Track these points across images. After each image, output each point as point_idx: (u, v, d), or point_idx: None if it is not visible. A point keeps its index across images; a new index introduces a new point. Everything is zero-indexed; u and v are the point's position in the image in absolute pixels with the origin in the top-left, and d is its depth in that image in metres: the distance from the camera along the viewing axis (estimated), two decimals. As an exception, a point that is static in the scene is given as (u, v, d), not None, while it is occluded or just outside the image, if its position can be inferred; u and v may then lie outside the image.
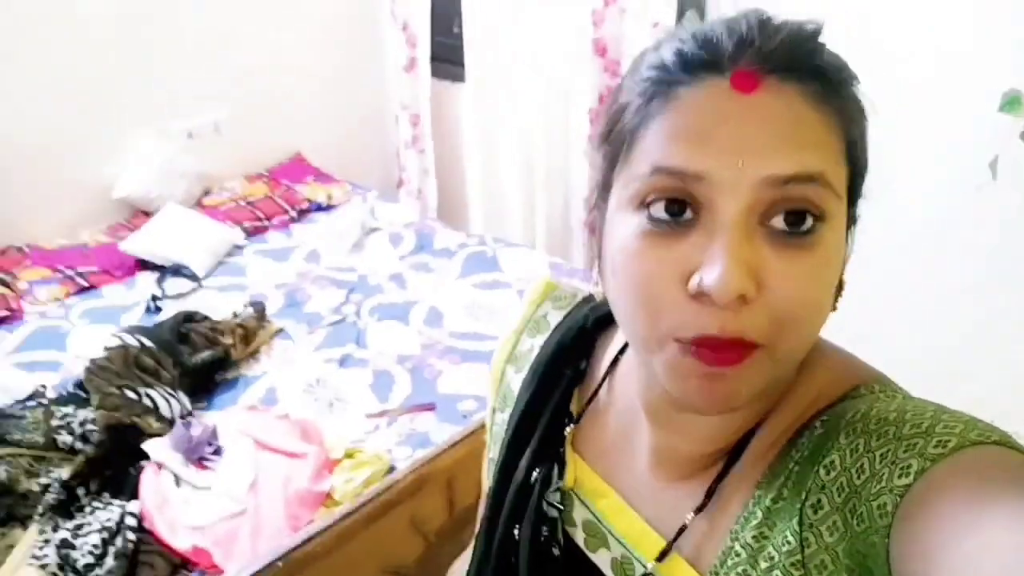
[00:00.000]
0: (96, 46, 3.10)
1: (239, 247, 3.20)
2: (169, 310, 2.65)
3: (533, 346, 0.77)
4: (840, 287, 0.56)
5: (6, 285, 2.84)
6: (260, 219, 3.37)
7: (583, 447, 0.71)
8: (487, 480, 0.78)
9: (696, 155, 0.49)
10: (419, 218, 3.53)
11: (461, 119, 3.76)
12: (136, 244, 3.04)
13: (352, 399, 2.26)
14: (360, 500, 1.83)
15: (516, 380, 0.77)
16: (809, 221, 0.49)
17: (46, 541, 1.71)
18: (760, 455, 0.59)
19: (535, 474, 0.70)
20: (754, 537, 0.56)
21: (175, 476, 1.92)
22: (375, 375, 2.37)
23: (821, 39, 0.51)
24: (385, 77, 4.04)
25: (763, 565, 0.55)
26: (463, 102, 3.70)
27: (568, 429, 0.72)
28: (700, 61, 0.50)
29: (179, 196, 3.34)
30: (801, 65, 0.49)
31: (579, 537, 0.68)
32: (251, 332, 2.49)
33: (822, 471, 0.52)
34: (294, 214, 3.46)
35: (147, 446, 1.97)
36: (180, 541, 1.75)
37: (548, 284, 0.81)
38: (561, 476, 0.69)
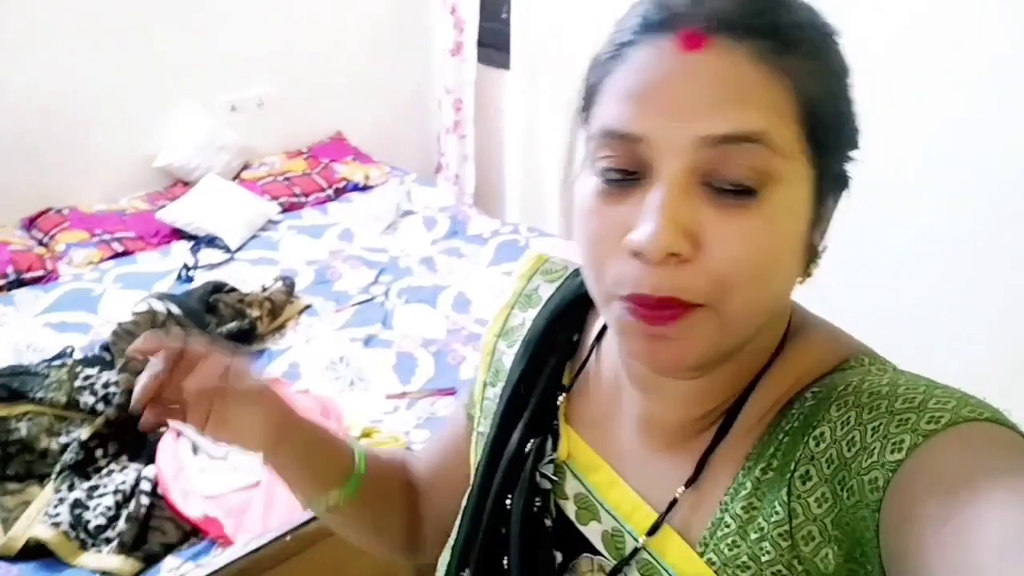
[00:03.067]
0: (146, 17, 3.13)
1: (274, 222, 3.21)
2: (200, 280, 2.66)
3: (524, 320, 0.76)
4: (814, 253, 0.55)
5: (44, 245, 2.88)
6: (297, 195, 3.38)
7: (575, 419, 0.70)
8: (475, 455, 0.76)
9: (637, 117, 0.49)
10: (455, 203, 3.51)
11: (504, 106, 3.73)
12: (173, 213, 3.06)
13: (374, 379, 2.25)
14: (373, 480, 1.81)
15: (508, 354, 0.76)
16: (751, 181, 0.48)
17: (61, 500, 1.72)
18: (750, 426, 0.58)
19: (528, 445, 0.69)
20: (743, 508, 0.56)
21: (193, 444, 1.92)
22: (398, 357, 2.35)
23: (769, 1, 0.50)
24: (430, 61, 4.02)
25: (752, 536, 0.54)
26: (507, 89, 3.67)
27: (560, 399, 0.71)
28: (654, 21, 0.50)
29: (219, 168, 3.36)
30: (752, 23, 0.48)
31: (570, 510, 0.68)
32: (279, 306, 2.49)
33: (812, 442, 0.52)
34: (331, 192, 3.47)
35: (167, 412, 1.97)
36: (192, 509, 1.75)
37: (539, 257, 0.80)
38: (555, 448, 0.69)
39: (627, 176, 0.51)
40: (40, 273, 2.70)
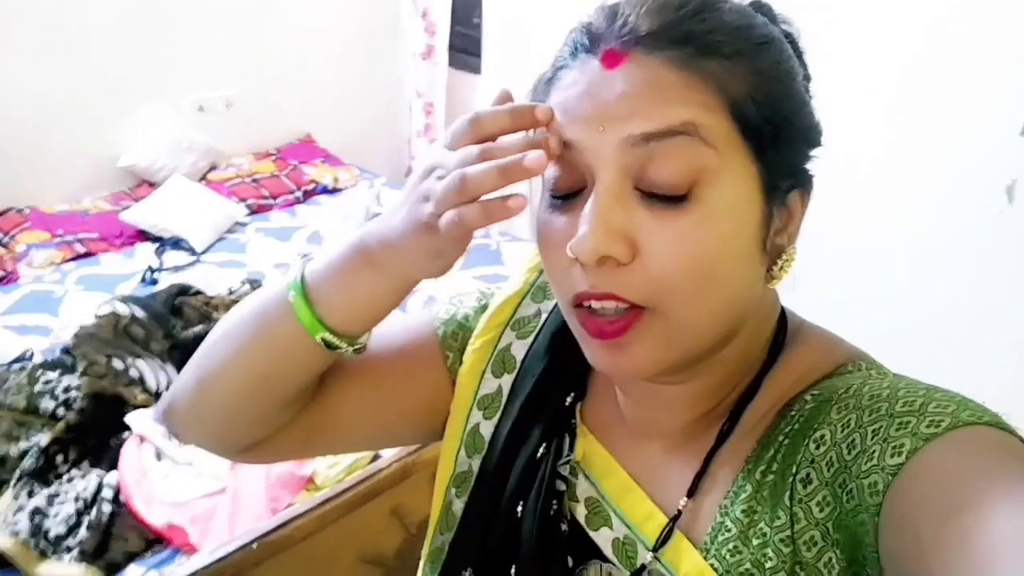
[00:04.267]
0: (113, 15, 3.08)
1: (241, 224, 3.17)
2: (165, 282, 2.62)
3: (540, 310, 0.74)
4: (778, 253, 0.56)
5: (3, 246, 2.82)
6: (265, 197, 3.34)
7: (590, 420, 0.69)
8: (453, 403, 0.74)
9: (566, 127, 0.52)
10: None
11: (475, 110, 3.71)
12: (137, 214, 3.01)
13: (343, 384, 2.22)
14: (342, 486, 1.79)
15: (519, 345, 0.73)
16: (682, 179, 0.49)
17: (20, 508, 1.68)
18: (749, 428, 0.58)
19: (542, 449, 0.68)
20: (744, 512, 0.55)
21: (157, 450, 1.88)
22: (368, 361, 2.32)
23: (689, 10, 0.51)
24: (401, 64, 4.00)
25: (755, 542, 0.54)
26: (478, 93, 3.67)
27: (577, 403, 0.70)
28: (582, 45, 0.53)
29: (185, 169, 3.32)
30: (666, 35, 0.50)
31: (580, 513, 0.66)
32: (246, 310, 2.45)
33: (812, 445, 0.52)
34: (299, 195, 3.43)
35: (130, 418, 1.93)
36: (156, 517, 1.71)
37: None
38: (571, 449, 0.68)
39: (572, 192, 0.53)
40: (0, 274, 2.64)
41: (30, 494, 1.71)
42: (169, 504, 1.74)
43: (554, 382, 0.70)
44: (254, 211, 3.27)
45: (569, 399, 0.70)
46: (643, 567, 0.60)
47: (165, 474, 1.82)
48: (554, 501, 0.66)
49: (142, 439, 1.90)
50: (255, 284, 2.57)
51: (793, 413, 0.56)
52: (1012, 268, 2.15)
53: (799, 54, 0.58)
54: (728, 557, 0.55)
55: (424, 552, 0.76)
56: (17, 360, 2.12)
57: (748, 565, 0.54)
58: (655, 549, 0.59)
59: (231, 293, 2.51)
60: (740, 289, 0.54)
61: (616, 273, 0.51)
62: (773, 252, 0.55)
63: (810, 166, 0.56)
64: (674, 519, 0.59)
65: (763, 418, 0.58)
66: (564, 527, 0.66)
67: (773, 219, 0.54)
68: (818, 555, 0.51)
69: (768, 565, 0.53)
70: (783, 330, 0.61)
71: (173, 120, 3.33)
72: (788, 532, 0.52)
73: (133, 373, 2.05)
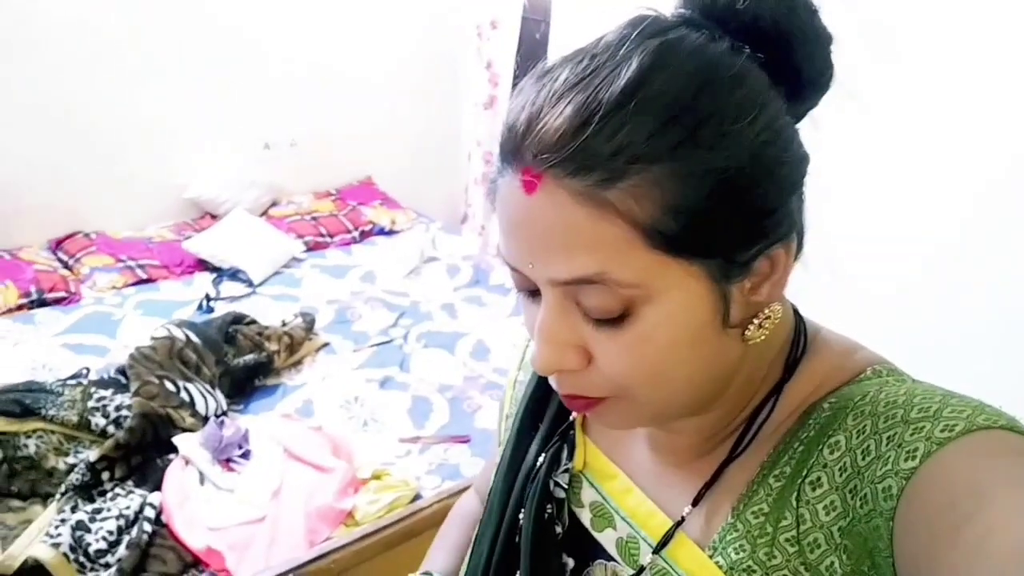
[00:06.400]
0: (188, 53, 3.19)
1: (298, 259, 3.22)
2: (221, 311, 2.65)
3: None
4: (753, 312, 0.53)
5: (68, 268, 2.90)
6: (323, 235, 3.39)
7: (593, 431, 0.72)
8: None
9: (508, 253, 0.53)
10: (479, 253, 3.51)
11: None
12: (199, 244, 3.07)
13: (388, 421, 2.21)
14: (381, 523, 1.77)
15: (524, 383, 0.79)
16: (614, 311, 0.49)
17: (63, 521, 1.68)
18: (766, 436, 0.58)
19: (542, 457, 0.71)
20: (753, 514, 0.56)
21: (200, 474, 1.88)
22: (414, 400, 2.32)
23: (596, 123, 0.46)
24: (462, 113, 4.07)
25: (760, 541, 0.55)
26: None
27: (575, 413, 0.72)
28: (506, 151, 0.51)
29: (247, 203, 3.39)
30: (572, 161, 0.46)
31: (585, 518, 0.69)
32: (297, 342, 2.48)
33: (826, 450, 0.52)
34: (356, 234, 3.48)
35: (177, 440, 1.95)
36: (195, 540, 1.71)
37: None
38: (571, 458, 0.70)
39: (531, 291, 0.54)
40: (62, 294, 2.71)
41: (74, 508, 1.72)
42: (209, 528, 1.73)
43: (550, 397, 0.74)
44: (311, 248, 3.32)
45: (568, 411, 0.73)
46: (644, 568, 0.62)
47: (207, 498, 1.82)
48: (548, 506, 0.69)
49: (187, 462, 1.91)
50: (307, 318, 2.60)
51: (810, 421, 0.55)
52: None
53: (793, 62, 0.51)
54: (733, 555, 0.56)
55: None
56: (73, 377, 2.16)
57: (751, 563, 0.54)
58: (657, 550, 0.60)
59: (284, 325, 2.53)
60: (704, 366, 0.53)
61: (574, 377, 0.53)
62: (749, 311, 0.53)
63: (797, 209, 0.52)
64: (677, 524, 0.60)
65: (780, 426, 0.58)
66: (559, 530, 0.69)
67: (733, 297, 0.51)
68: (821, 557, 0.51)
69: (771, 563, 0.54)
70: (798, 341, 0.60)
71: (239, 156, 3.42)
72: (794, 532, 0.53)
73: (184, 396, 2.07)
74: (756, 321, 0.53)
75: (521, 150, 0.49)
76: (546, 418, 0.74)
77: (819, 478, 0.52)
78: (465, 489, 1.80)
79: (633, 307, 0.49)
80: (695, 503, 0.59)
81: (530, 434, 0.74)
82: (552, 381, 0.56)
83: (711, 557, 0.57)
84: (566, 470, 0.69)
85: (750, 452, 0.58)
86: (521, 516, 0.70)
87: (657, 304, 0.48)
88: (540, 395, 0.75)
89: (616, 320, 0.49)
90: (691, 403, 0.55)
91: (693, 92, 0.46)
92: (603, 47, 0.49)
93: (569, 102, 0.47)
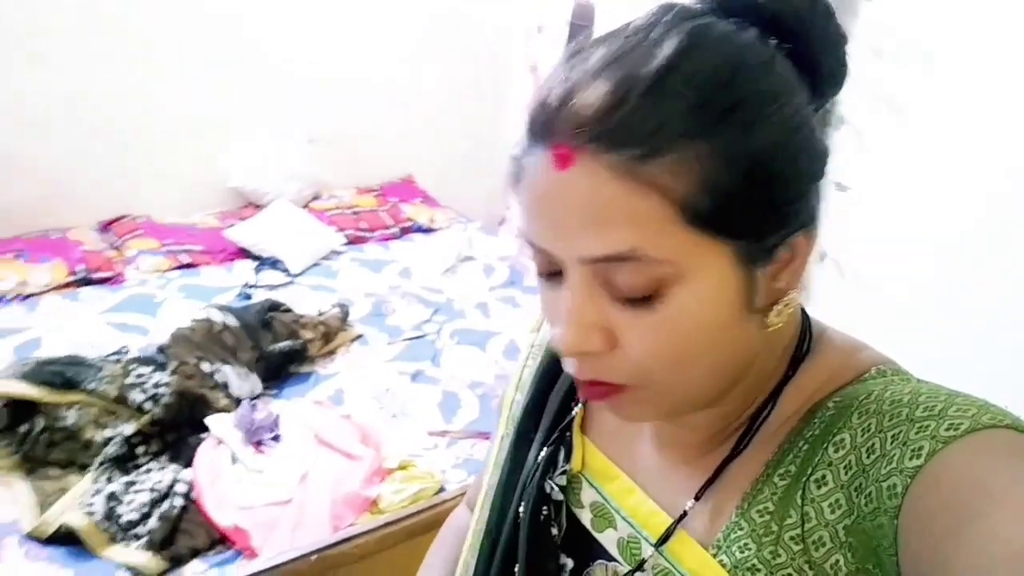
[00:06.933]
0: (238, 49, 3.26)
1: (337, 252, 3.26)
2: (259, 299, 2.70)
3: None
4: (776, 298, 0.54)
5: (115, 249, 2.97)
6: (363, 229, 3.44)
7: (593, 430, 0.72)
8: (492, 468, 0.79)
9: (533, 233, 0.52)
10: (515, 254, 3.53)
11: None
12: (241, 233, 3.13)
13: (417, 414, 2.24)
14: (405, 512, 1.79)
15: (531, 368, 0.80)
16: (644, 291, 0.49)
17: (97, 491, 1.73)
18: (770, 434, 0.58)
19: (539, 457, 0.71)
20: (758, 512, 0.56)
21: (232, 454, 1.92)
22: (444, 395, 2.34)
23: (634, 99, 0.46)
24: (505, 116, 4.10)
25: (765, 539, 0.55)
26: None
27: (575, 410, 0.72)
28: (536, 127, 0.51)
29: (290, 195, 3.45)
30: (610, 135, 0.47)
31: (586, 518, 0.69)
32: (332, 332, 2.51)
33: (831, 448, 0.53)
34: (396, 231, 3.52)
35: (211, 420, 1.99)
36: (223, 517, 1.74)
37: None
38: (568, 459, 0.70)
39: (555, 272, 0.53)
40: (108, 274, 2.77)
41: (109, 480, 1.77)
42: (237, 507, 1.77)
43: (550, 397, 0.75)
44: (351, 241, 3.36)
45: (573, 409, 0.73)
46: (645, 560, 0.62)
47: (237, 478, 1.86)
48: (544, 507, 0.69)
49: (219, 441, 1.95)
50: (343, 309, 2.63)
51: (815, 419, 0.56)
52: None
53: (812, 57, 0.53)
54: (738, 553, 0.56)
55: None
56: (114, 353, 2.21)
57: (755, 561, 0.55)
58: (658, 545, 0.61)
59: (320, 315, 2.57)
60: (728, 353, 0.54)
61: (597, 360, 0.52)
62: (770, 298, 0.53)
63: (816, 197, 0.53)
64: (679, 519, 0.60)
65: (784, 424, 0.58)
66: (555, 532, 0.69)
67: (757, 282, 0.51)
68: (826, 555, 0.51)
69: (776, 561, 0.54)
70: (804, 340, 0.60)
71: (284, 149, 3.48)
72: (799, 530, 0.53)
73: (219, 378, 2.12)
74: (777, 307, 0.54)
75: (554, 125, 0.49)
76: (545, 418, 0.74)
77: (824, 476, 0.52)
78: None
79: (663, 287, 0.49)
80: (697, 499, 0.60)
81: (530, 435, 0.74)
82: (570, 367, 0.55)
83: (715, 556, 0.57)
84: (563, 472, 0.69)
85: (754, 450, 0.58)
86: (520, 513, 0.71)
87: (687, 284, 0.49)
88: (547, 386, 0.75)
89: (645, 300, 0.49)
90: (708, 393, 0.56)
91: (729, 73, 0.47)
92: (633, 30, 0.50)
93: (606, 79, 0.47)
